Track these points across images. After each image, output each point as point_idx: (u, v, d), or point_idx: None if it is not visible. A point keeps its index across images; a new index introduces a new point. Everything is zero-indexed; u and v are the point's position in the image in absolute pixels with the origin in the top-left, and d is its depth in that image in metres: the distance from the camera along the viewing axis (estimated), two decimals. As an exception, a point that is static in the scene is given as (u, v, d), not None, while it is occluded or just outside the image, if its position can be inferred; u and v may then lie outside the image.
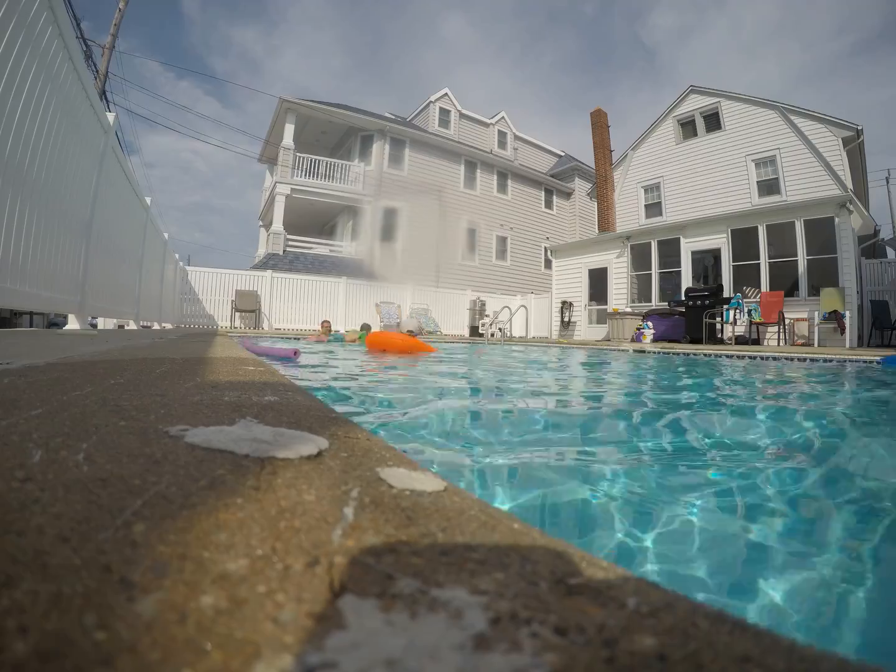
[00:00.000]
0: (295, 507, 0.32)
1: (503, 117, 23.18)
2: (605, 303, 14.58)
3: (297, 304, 14.10)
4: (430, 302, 16.20)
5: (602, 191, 16.83)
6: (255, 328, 13.12)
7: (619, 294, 14.27)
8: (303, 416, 0.63)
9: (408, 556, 0.26)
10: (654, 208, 16.78)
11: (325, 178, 17.43)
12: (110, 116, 5.22)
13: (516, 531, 0.30)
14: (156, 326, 9.53)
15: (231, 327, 12.78)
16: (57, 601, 0.21)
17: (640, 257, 14.07)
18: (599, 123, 16.74)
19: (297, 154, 17.07)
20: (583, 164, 24.11)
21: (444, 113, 21.43)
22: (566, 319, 15.15)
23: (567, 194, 24.11)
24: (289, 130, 17.04)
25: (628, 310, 13.38)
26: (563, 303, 15.35)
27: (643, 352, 7.91)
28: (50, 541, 0.27)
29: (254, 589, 0.23)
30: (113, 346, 2.41)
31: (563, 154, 26.24)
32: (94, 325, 6.55)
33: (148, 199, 7.74)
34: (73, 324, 4.93)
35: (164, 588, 0.23)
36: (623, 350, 8.13)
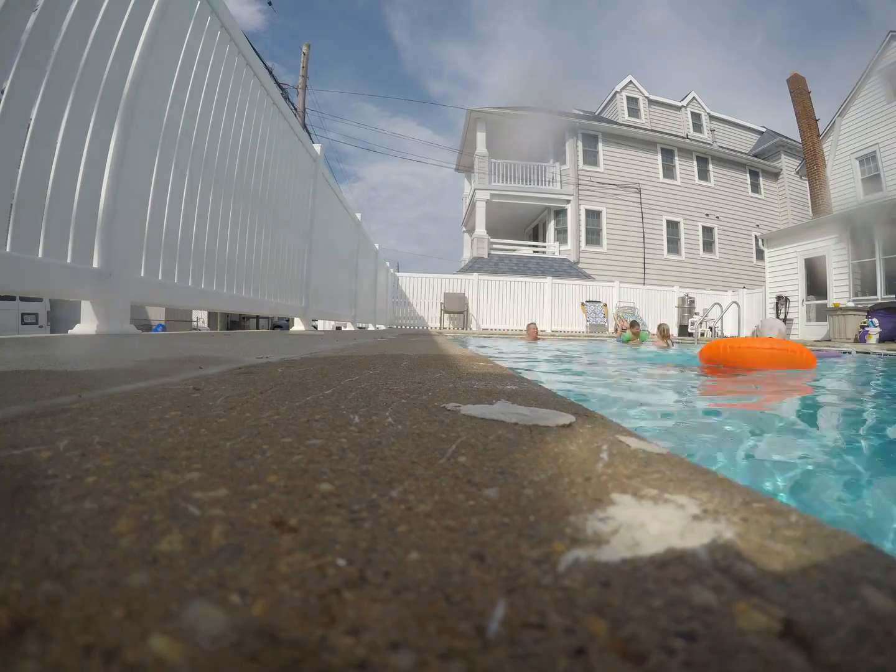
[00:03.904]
0: (565, 452, 0.50)
1: (694, 97, 21.30)
2: (825, 297, 12.56)
3: (502, 305, 14.69)
4: (637, 300, 15.60)
5: (812, 167, 14.43)
6: (463, 328, 14.02)
7: (839, 286, 12.13)
8: (546, 400, 0.80)
9: (649, 479, 0.42)
10: (872, 182, 13.88)
11: (521, 181, 17.90)
12: (317, 147, 6.14)
13: (719, 479, 0.44)
14: (370, 328, 10.66)
15: (440, 328, 13.80)
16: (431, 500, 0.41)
17: (861, 242, 11.83)
18: (798, 90, 14.33)
19: (492, 160, 17.75)
20: (787, 138, 21.04)
21: (632, 101, 20.47)
22: (782, 316, 13.19)
23: (774, 175, 21.24)
24: (481, 139, 17.80)
25: (851, 304, 11.33)
26: (779, 298, 13.47)
27: (867, 353, 6.75)
28: (402, 465, 0.46)
29: (556, 484, 0.41)
30: (345, 345, 2.81)
31: (764, 130, 23.17)
32: (315, 327, 7.63)
33: (358, 215, 8.84)
34: (298, 325, 5.89)
35: (499, 485, 0.42)
36: (845, 352, 7.04)
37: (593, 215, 18.14)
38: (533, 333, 9.34)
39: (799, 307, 13.26)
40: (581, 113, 21.02)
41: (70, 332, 2.43)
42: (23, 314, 10.99)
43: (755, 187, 20.89)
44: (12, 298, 10.57)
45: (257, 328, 13.36)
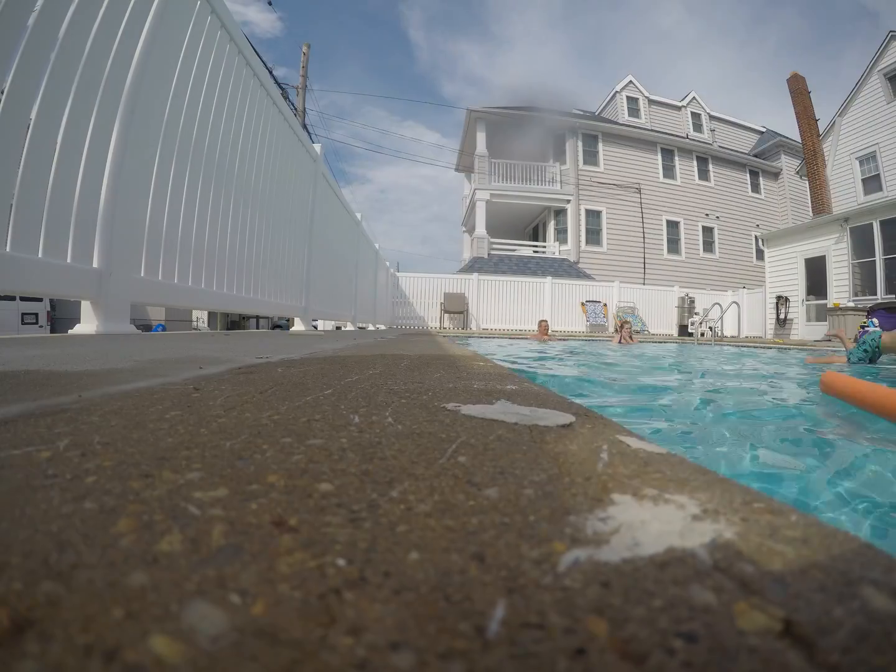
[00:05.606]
0: (566, 452, 0.50)
1: (694, 97, 21.34)
2: (825, 296, 12.60)
3: (502, 305, 14.76)
4: (637, 300, 15.69)
5: (812, 167, 14.47)
6: (463, 328, 14.03)
7: (839, 286, 12.19)
8: (545, 399, 0.80)
9: (649, 479, 0.42)
10: (872, 182, 13.93)
11: (521, 180, 17.98)
12: (317, 147, 6.13)
13: (719, 479, 0.44)
14: (370, 327, 10.66)
15: (440, 328, 13.82)
16: (420, 503, 0.41)
17: (861, 242, 11.89)
18: (798, 90, 14.41)
19: (492, 160, 17.81)
20: (787, 138, 21.11)
21: (632, 101, 20.52)
22: (782, 316, 13.41)
23: (774, 174, 21.28)
24: (481, 139, 17.87)
25: (850, 304, 11.40)
26: (779, 298, 13.60)
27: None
28: (402, 465, 0.47)
29: (556, 484, 0.41)
30: (346, 345, 2.83)
31: (764, 130, 23.23)
32: (315, 327, 7.63)
33: (358, 215, 8.83)
34: (298, 325, 5.89)
35: (499, 485, 0.42)
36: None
37: (593, 215, 18.18)
38: (544, 331, 9.24)
39: (799, 307, 13.29)
40: (581, 113, 21.05)
41: (70, 332, 2.43)
42: (23, 314, 11.00)
43: (755, 187, 20.92)
44: (12, 298, 10.58)
45: (257, 328, 13.37)
